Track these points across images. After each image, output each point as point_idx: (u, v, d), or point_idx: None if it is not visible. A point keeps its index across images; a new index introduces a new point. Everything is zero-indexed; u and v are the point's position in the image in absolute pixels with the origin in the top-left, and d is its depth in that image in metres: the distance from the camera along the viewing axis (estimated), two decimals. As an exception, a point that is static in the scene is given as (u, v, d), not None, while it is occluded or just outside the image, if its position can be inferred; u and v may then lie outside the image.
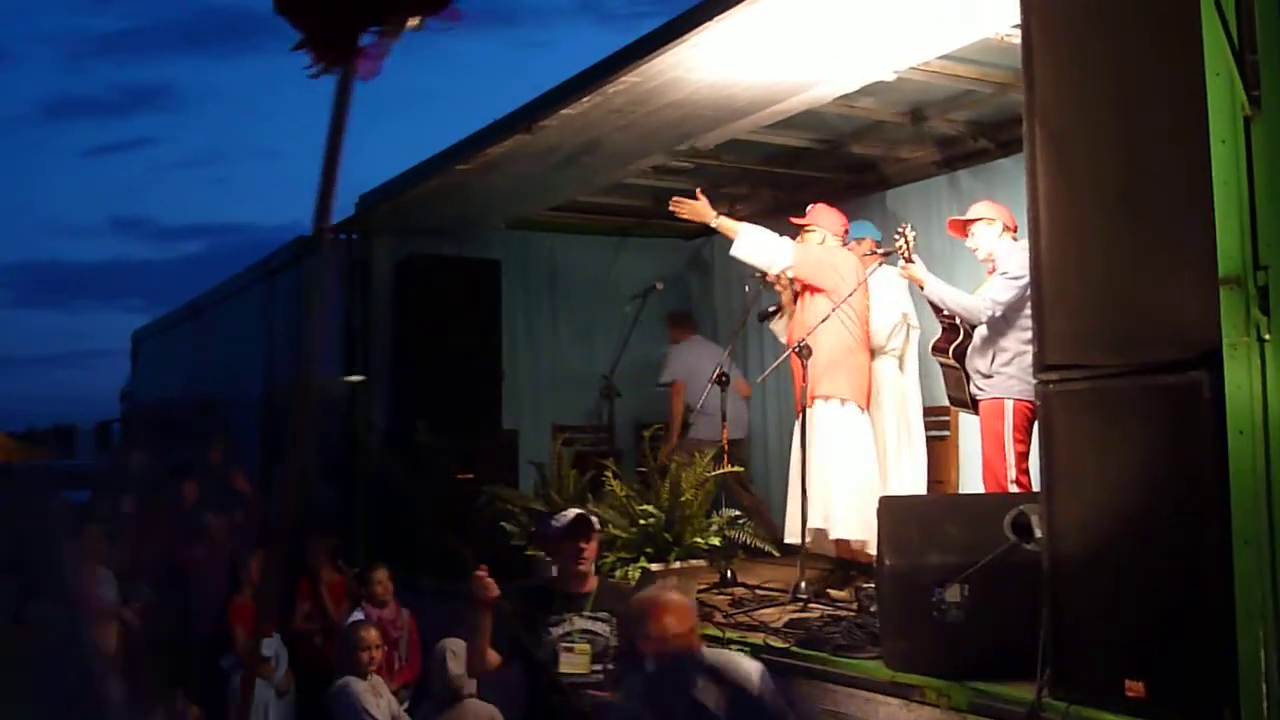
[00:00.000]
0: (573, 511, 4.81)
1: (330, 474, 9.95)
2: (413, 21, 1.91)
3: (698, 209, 6.72)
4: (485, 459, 8.25)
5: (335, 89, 1.92)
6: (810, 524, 6.24)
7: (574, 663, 4.53)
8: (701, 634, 4.44)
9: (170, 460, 11.84)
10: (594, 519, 4.83)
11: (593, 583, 4.76)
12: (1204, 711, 3.39)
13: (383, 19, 1.87)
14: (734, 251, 6.69)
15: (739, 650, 5.01)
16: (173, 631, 7.35)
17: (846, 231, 6.91)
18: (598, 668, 4.53)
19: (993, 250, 5.93)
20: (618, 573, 5.99)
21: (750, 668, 3.79)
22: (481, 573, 4.57)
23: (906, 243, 6.06)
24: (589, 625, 4.60)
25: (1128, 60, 3.82)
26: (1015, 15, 4.28)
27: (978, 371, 5.91)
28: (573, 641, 4.56)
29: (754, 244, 6.60)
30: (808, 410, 6.36)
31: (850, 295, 6.39)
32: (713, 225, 6.77)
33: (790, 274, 6.64)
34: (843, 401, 6.43)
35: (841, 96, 6.52)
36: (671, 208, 6.79)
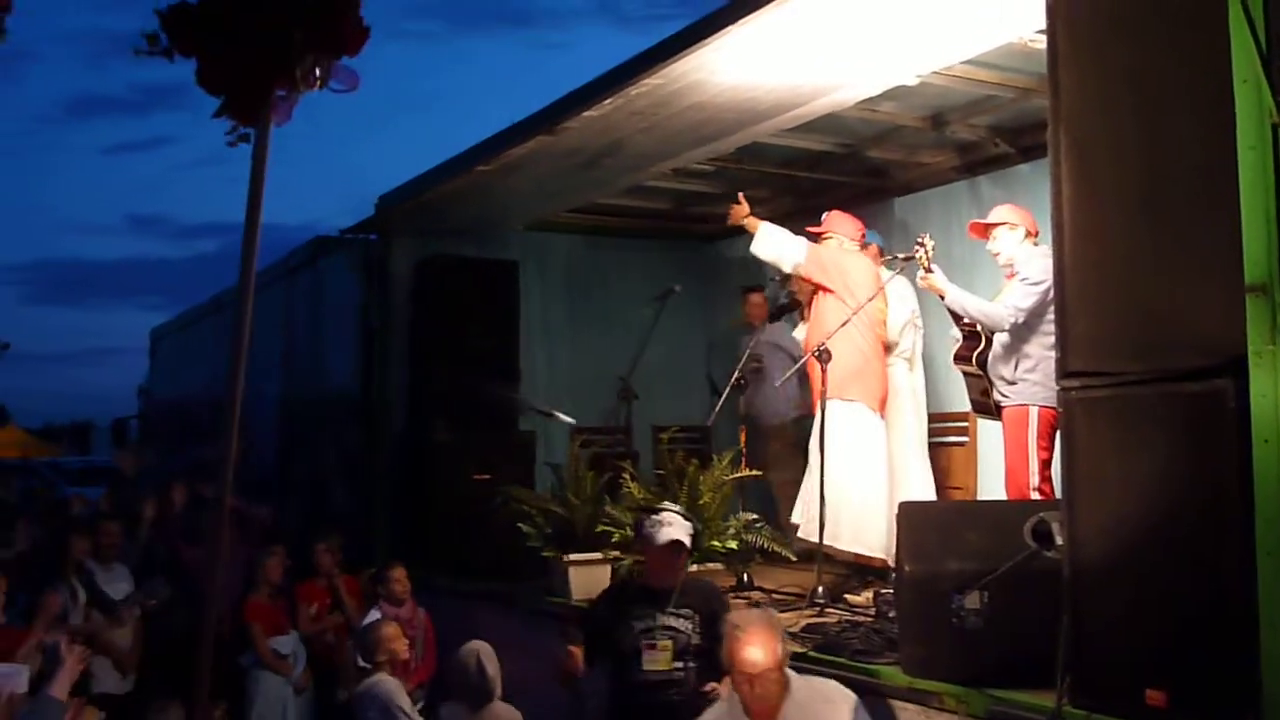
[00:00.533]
0: (677, 524, 4.79)
1: (347, 474, 9.99)
2: (314, 85, 2.00)
3: (738, 211, 6.82)
4: (502, 460, 8.27)
5: (254, 143, 2.01)
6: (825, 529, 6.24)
7: (656, 660, 4.56)
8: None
9: (188, 457, 11.89)
10: (689, 539, 4.83)
11: (677, 578, 4.77)
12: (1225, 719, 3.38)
13: (289, 74, 1.95)
14: (752, 248, 6.74)
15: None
16: (189, 628, 7.36)
17: (863, 236, 6.91)
18: (679, 665, 4.56)
19: (1013, 255, 5.91)
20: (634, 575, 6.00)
21: (842, 701, 3.82)
22: (575, 650, 4.75)
23: (926, 252, 6.04)
24: (671, 622, 4.61)
25: (1152, 66, 3.80)
26: (1040, 21, 4.28)
27: (1001, 378, 5.88)
28: (655, 639, 4.59)
29: (771, 241, 6.65)
30: (821, 411, 6.35)
31: (868, 301, 6.38)
32: (741, 224, 6.81)
33: (801, 271, 6.63)
34: (857, 405, 6.40)
35: (863, 101, 6.52)
36: (730, 212, 6.90)
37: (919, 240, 6.12)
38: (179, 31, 1.92)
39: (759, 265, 7.14)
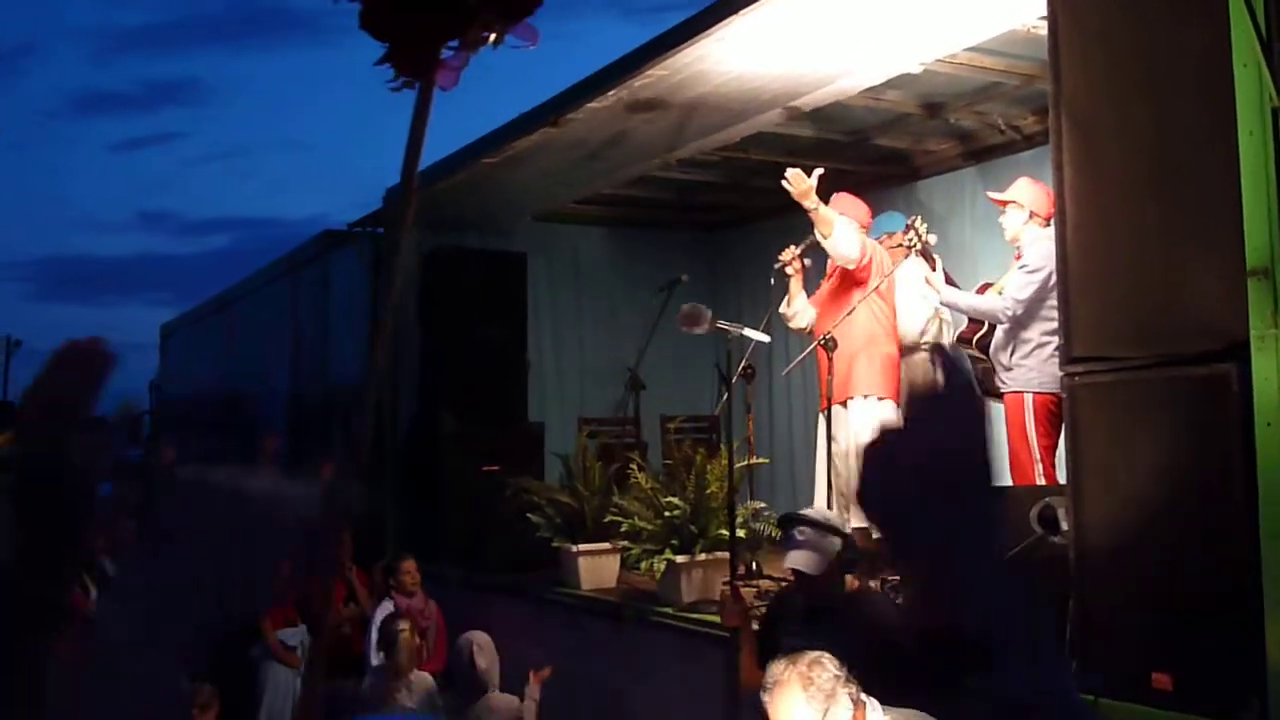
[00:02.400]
0: (806, 545, 4.30)
1: (355, 467, 10.01)
2: (491, 38, 1.94)
3: (806, 189, 6.32)
4: (511, 451, 8.29)
5: (416, 100, 1.97)
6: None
7: None
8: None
9: (199, 451, 11.94)
10: (816, 565, 4.27)
11: (825, 599, 4.30)
12: (1231, 703, 3.39)
13: (462, 34, 1.90)
14: (829, 242, 6.40)
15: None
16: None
17: (871, 220, 6.88)
18: None
19: (1019, 234, 5.92)
20: (643, 564, 6.02)
21: None
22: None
23: (918, 235, 6.05)
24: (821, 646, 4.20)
25: (1155, 50, 3.80)
26: (1041, 6, 4.27)
27: (1000, 364, 5.90)
28: None
29: (844, 236, 6.38)
30: (839, 408, 6.36)
31: (877, 286, 6.38)
32: (808, 208, 6.35)
33: (851, 266, 6.49)
34: (879, 399, 6.40)
35: (867, 89, 6.51)
36: (786, 176, 6.34)
37: (909, 223, 6.13)
38: None
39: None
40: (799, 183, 6.29)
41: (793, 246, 6.77)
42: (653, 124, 6.93)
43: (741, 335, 6.15)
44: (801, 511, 4.61)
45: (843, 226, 6.39)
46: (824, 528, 4.35)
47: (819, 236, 6.39)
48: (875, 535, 6.22)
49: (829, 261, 6.67)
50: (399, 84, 1.92)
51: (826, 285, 6.78)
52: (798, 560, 4.27)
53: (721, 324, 6.05)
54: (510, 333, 9.20)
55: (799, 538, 4.31)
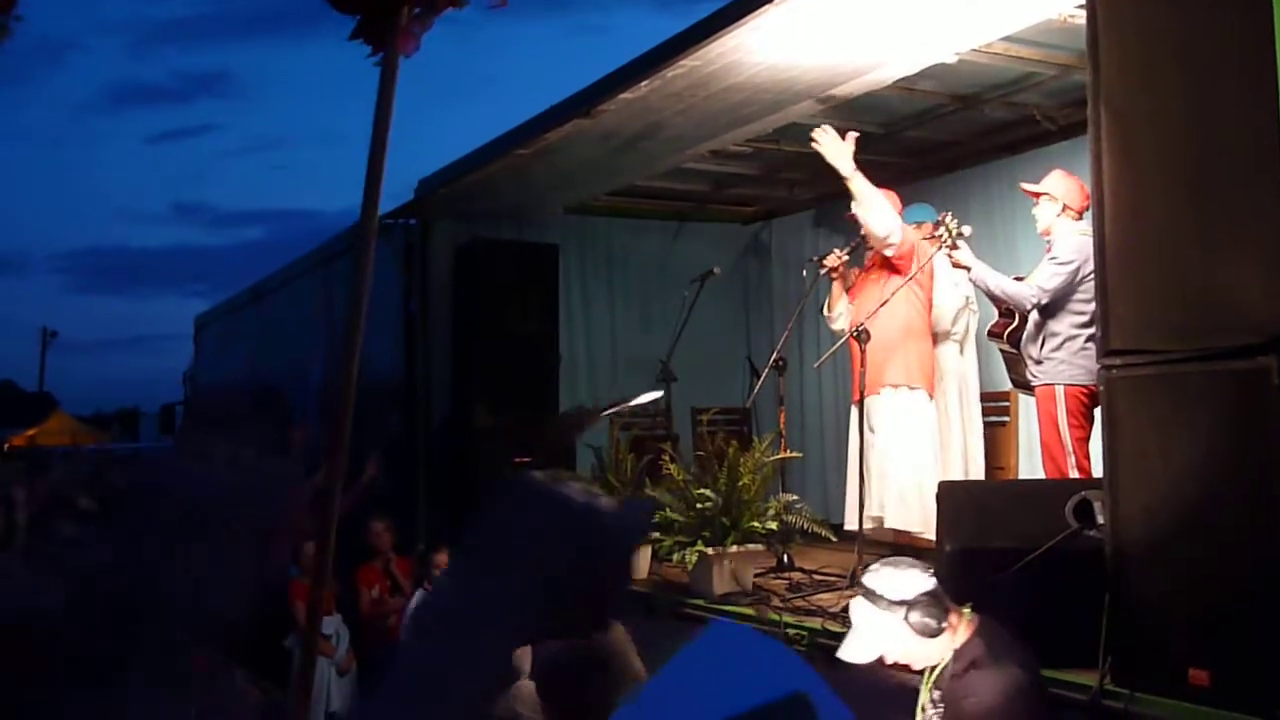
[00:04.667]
0: (862, 607, 3.59)
1: (389, 458, 10.06)
2: (453, 3, 1.91)
3: (840, 151, 6.20)
4: (543, 443, 8.31)
5: (381, 70, 1.93)
6: (868, 511, 6.25)
7: None
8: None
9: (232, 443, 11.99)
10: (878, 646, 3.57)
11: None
12: (1269, 700, 3.36)
13: None
14: (864, 215, 6.32)
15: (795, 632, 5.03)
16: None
17: (901, 213, 6.86)
18: None
19: (1051, 226, 5.89)
20: (675, 556, 6.02)
21: None
22: None
23: (948, 230, 6.02)
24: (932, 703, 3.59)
25: (1195, 39, 3.76)
26: (1080, -4, 4.24)
27: (1030, 357, 5.89)
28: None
29: (882, 211, 6.34)
30: (872, 399, 6.35)
31: (911, 278, 6.36)
32: (845, 175, 6.26)
33: (891, 251, 6.46)
34: (911, 389, 6.40)
35: (901, 79, 6.48)
36: (814, 137, 6.25)
37: (940, 218, 6.11)
38: None
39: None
40: (829, 142, 6.17)
41: (837, 251, 6.77)
42: (686, 115, 6.91)
43: (632, 407, 6.20)
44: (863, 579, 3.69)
45: (881, 201, 6.35)
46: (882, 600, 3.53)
47: (855, 210, 6.35)
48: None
49: (867, 255, 6.66)
50: (378, 60, 1.90)
51: (863, 277, 6.76)
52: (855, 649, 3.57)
53: (608, 411, 6.10)
54: (542, 325, 9.22)
55: (858, 604, 3.62)
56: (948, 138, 8.32)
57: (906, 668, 3.54)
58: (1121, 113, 3.95)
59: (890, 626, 3.45)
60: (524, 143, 7.76)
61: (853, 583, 5.87)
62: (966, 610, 3.50)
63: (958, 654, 3.41)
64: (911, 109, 7.70)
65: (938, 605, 3.43)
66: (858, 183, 6.27)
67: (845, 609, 5.36)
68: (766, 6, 5.32)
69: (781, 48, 5.85)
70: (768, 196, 10.17)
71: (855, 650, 3.53)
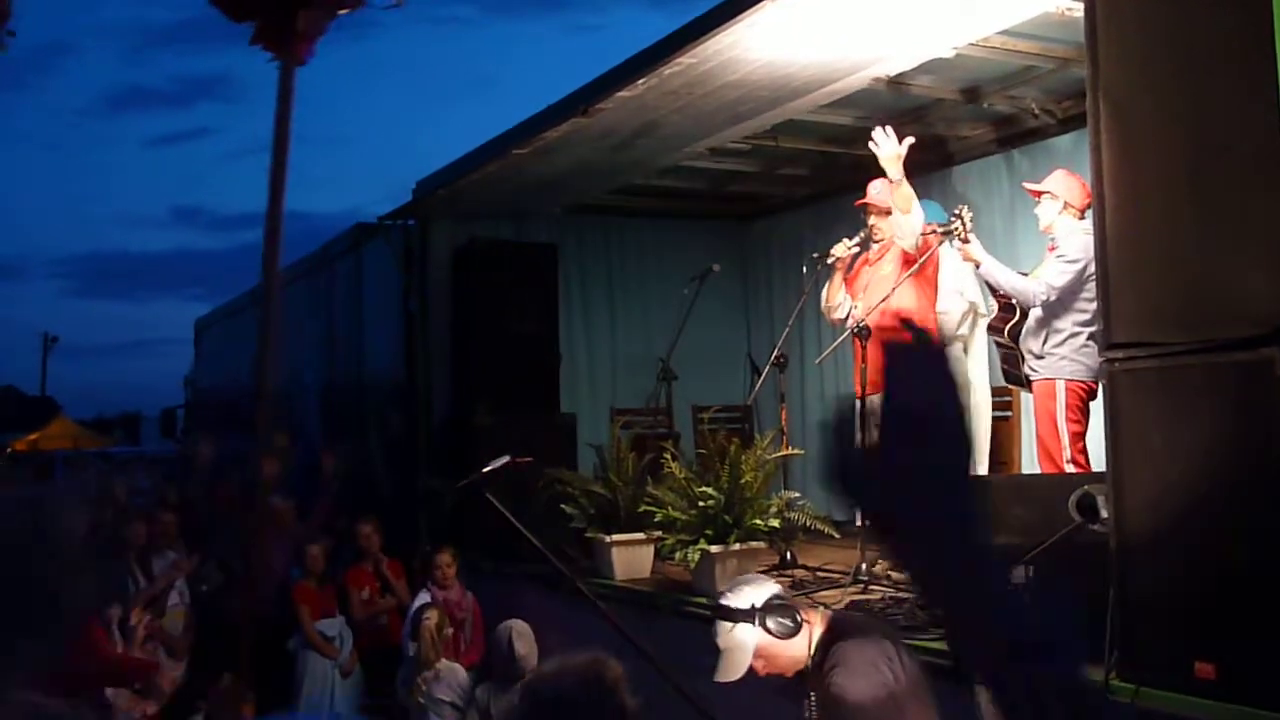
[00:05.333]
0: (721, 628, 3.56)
1: (390, 458, 10.06)
2: (349, 5, 1.91)
3: (893, 155, 6.14)
4: (544, 442, 8.29)
5: (279, 78, 1.93)
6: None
7: None
8: None
9: (232, 446, 12.02)
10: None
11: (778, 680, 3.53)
12: (1276, 693, 3.34)
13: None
14: (906, 219, 6.26)
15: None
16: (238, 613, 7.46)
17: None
18: None
19: (1053, 224, 5.88)
20: (677, 555, 6.01)
21: None
22: None
23: (963, 223, 6.00)
24: None
25: (1193, 31, 3.75)
26: (1078, -12, 4.22)
27: (1030, 352, 5.88)
28: None
29: (920, 218, 6.28)
30: (875, 396, 6.33)
31: (912, 273, 6.33)
32: (893, 179, 6.17)
33: (909, 245, 6.42)
34: None
35: (899, 75, 6.46)
36: (873, 137, 6.16)
37: (955, 211, 6.08)
38: None
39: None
40: (887, 145, 6.14)
41: (846, 241, 6.74)
42: (683, 113, 6.91)
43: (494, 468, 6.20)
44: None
45: (918, 205, 6.33)
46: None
47: (897, 212, 6.29)
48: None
49: (874, 248, 6.64)
50: (281, 62, 1.89)
51: (866, 272, 6.73)
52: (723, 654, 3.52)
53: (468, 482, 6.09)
54: (542, 324, 9.21)
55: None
56: (947, 132, 8.30)
57: (782, 675, 3.48)
58: (1121, 105, 3.94)
59: (750, 637, 3.43)
60: (522, 143, 7.75)
61: (856, 579, 5.87)
62: (820, 606, 3.49)
63: (819, 645, 3.38)
64: (910, 103, 7.68)
65: (788, 606, 3.44)
66: (905, 188, 6.25)
67: (849, 606, 5.38)
68: (763, 3, 5.31)
69: (778, 44, 5.84)
70: (766, 193, 10.15)
71: (726, 670, 3.48)
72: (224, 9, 1.88)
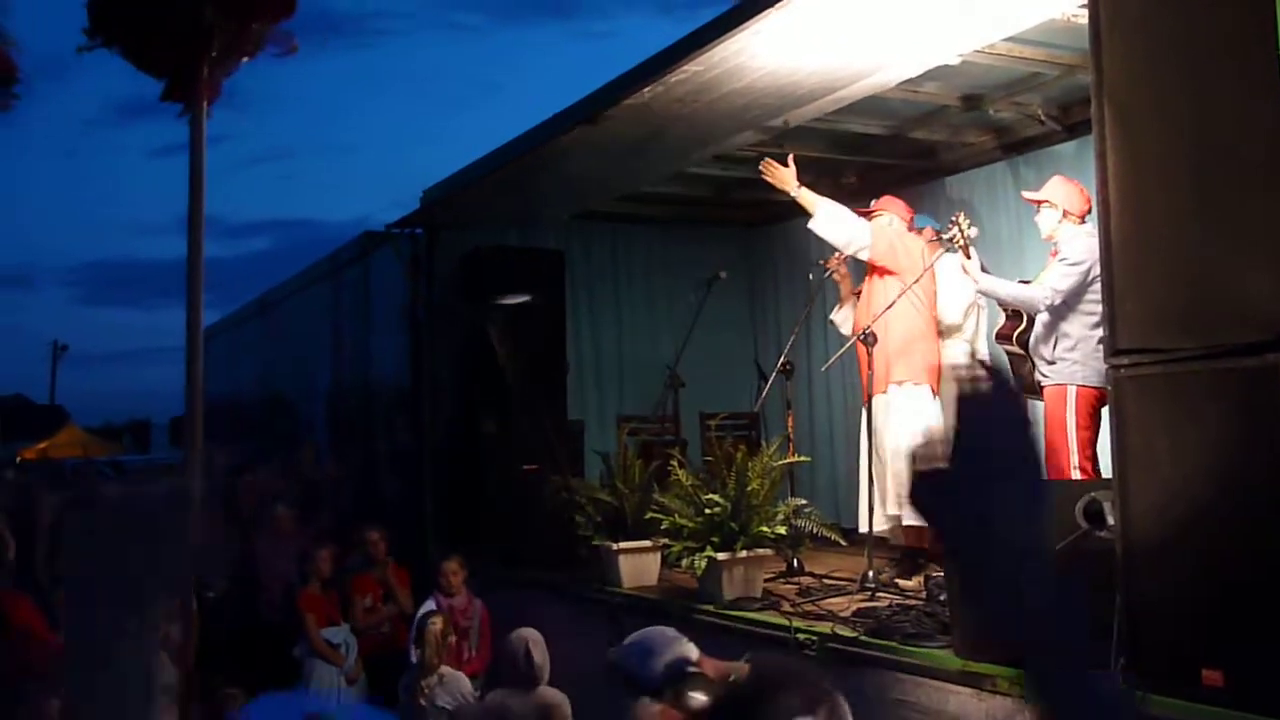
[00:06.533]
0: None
1: (397, 466, 10.08)
2: (247, 54, 1.95)
3: (783, 175, 6.59)
4: (551, 450, 8.30)
5: (190, 125, 1.97)
6: (885, 510, 6.24)
7: None
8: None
9: (241, 453, 12.06)
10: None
11: None
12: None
13: (209, 49, 1.90)
14: (813, 225, 6.60)
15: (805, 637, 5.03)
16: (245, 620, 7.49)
17: (912, 218, 6.89)
18: None
19: (1054, 232, 5.90)
20: (684, 562, 6.01)
21: None
22: None
23: (961, 232, 6.04)
24: None
25: (1197, 35, 3.75)
26: (1082, -5, 4.22)
27: (1041, 358, 5.88)
28: None
29: (834, 220, 6.53)
30: (880, 397, 6.34)
31: (918, 280, 6.36)
32: (793, 195, 6.60)
33: (865, 255, 6.55)
34: (916, 385, 6.41)
35: (905, 81, 6.46)
36: (761, 169, 6.65)
37: (953, 219, 6.12)
38: (103, 18, 1.90)
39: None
40: (774, 172, 6.53)
41: (838, 254, 6.81)
42: (689, 120, 6.90)
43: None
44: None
45: (832, 209, 6.52)
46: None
47: (810, 226, 6.59)
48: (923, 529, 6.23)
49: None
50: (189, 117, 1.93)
51: (866, 282, 6.77)
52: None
53: None
54: (549, 331, 9.21)
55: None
56: (953, 139, 8.29)
57: None
58: (1125, 110, 3.94)
59: (656, 710, 3.10)
60: (528, 151, 7.76)
61: (863, 586, 5.86)
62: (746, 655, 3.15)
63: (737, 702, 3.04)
64: (915, 110, 7.68)
65: (699, 675, 3.08)
66: (804, 196, 6.53)
67: (856, 613, 5.38)
68: (769, 10, 5.31)
69: (784, 51, 5.84)
70: (773, 200, 10.12)
71: None
72: (137, 65, 1.92)
